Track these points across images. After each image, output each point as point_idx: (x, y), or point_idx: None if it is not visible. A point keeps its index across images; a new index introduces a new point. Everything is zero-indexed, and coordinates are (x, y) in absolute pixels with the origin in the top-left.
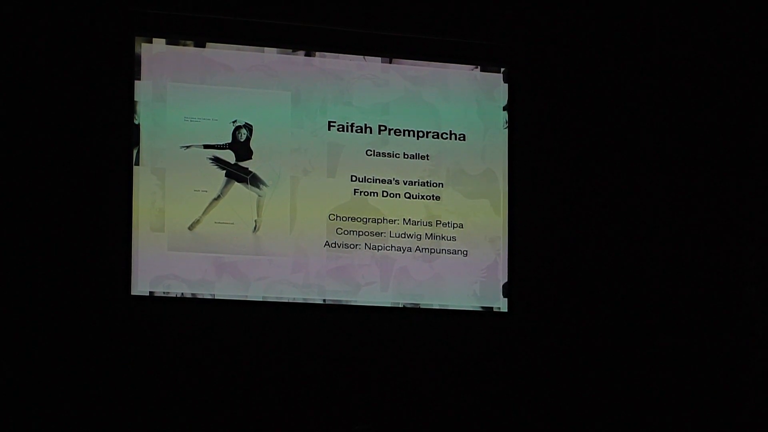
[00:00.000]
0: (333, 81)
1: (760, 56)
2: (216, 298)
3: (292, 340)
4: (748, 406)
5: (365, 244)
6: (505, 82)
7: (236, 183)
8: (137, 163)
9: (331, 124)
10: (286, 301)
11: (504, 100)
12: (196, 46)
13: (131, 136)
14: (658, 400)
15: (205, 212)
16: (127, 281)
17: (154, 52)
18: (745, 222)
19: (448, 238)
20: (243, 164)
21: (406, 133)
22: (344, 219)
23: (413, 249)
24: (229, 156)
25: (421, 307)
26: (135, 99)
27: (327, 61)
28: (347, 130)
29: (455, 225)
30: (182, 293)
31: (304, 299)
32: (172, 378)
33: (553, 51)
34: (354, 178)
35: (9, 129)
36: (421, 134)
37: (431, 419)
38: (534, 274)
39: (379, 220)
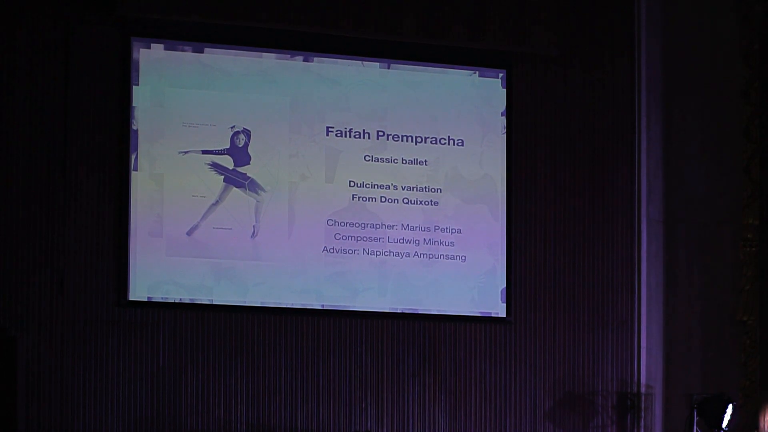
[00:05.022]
0: (331, 86)
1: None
2: (214, 303)
3: (290, 345)
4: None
5: (363, 249)
6: (503, 88)
7: (234, 188)
8: (135, 169)
9: (330, 129)
10: (285, 306)
11: (502, 105)
12: (194, 51)
13: (129, 141)
14: (651, 403)
15: (203, 218)
16: (125, 286)
17: (152, 57)
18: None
19: (447, 244)
20: (241, 170)
21: (405, 138)
22: (342, 224)
23: (411, 254)
24: (227, 161)
25: (419, 312)
26: (133, 104)
27: (325, 67)
28: (345, 136)
29: (453, 230)
30: (180, 298)
31: (302, 304)
32: (170, 382)
33: (552, 57)
34: (352, 184)
35: (8, 135)
36: (419, 140)
37: (429, 423)
38: (532, 279)
39: (378, 226)
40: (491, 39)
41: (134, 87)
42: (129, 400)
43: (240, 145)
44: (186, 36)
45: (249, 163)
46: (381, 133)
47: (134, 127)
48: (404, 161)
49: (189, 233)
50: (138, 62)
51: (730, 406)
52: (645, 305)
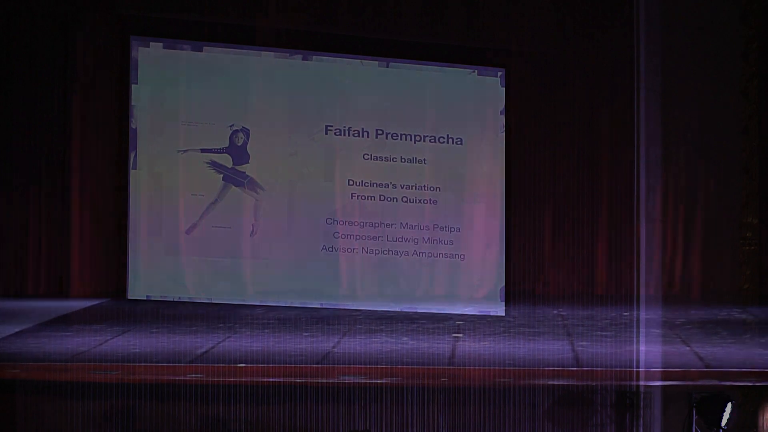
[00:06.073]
0: (330, 85)
1: None
2: (213, 302)
3: (289, 344)
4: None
5: (362, 248)
6: (502, 87)
7: (233, 187)
8: (134, 167)
9: (328, 127)
10: (284, 305)
11: (501, 104)
12: (193, 50)
13: (128, 140)
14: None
15: (202, 216)
16: (124, 285)
17: (150, 56)
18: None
19: (446, 242)
20: (240, 168)
21: (404, 137)
22: (341, 223)
23: (410, 253)
24: (226, 160)
25: (419, 311)
26: (132, 103)
27: (324, 65)
28: (344, 134)
29: (452, 229)
30: (179, 297)
31: (301, 303)
32: (169, 382)
33: (551, 56)
34: (351, 182)
35: (8, 135)
36: (418, 138)
37: (428, 423)
38: (531, 278)
39: (377, 224)
40: (490, 38)
41: (133, 85)
42: (128, 400)
43: (239, 144)
44: (185, 34)
45: (248, 162)
46: (380, 132)
47: (133, 126)
48: (403, 160)
49: (188, 232)
50: (137, 61)
51: (729, 405)
52: (645, 305)
